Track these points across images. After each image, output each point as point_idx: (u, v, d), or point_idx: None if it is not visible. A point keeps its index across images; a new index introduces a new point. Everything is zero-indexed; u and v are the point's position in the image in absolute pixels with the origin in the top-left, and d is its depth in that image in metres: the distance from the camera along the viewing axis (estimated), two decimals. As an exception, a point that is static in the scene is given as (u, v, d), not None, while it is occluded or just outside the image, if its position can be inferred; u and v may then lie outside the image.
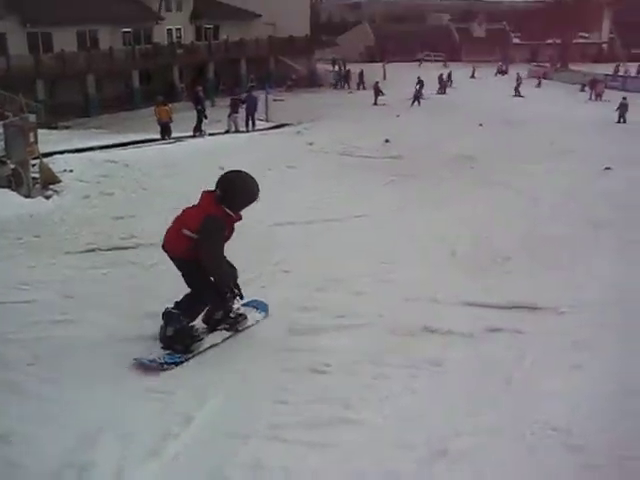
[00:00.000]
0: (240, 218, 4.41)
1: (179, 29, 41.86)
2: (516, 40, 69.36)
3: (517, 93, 37.38)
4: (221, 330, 4.74)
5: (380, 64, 49.26)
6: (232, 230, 4.42)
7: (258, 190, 4.32)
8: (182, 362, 4.37)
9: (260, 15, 44.70)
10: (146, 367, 4.24)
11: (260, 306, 5.15)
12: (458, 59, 64.67)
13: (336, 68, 50.85)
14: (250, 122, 21.88)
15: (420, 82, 36.00)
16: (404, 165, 13.55)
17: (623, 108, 25.19)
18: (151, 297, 5.23)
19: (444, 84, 39.12)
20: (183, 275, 4.46)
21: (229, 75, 40.71)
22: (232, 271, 4.56)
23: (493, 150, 15.89)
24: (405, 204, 9.43)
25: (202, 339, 4.59)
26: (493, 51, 64.44)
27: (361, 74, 42.44)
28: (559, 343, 4.65)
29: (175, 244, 4.40)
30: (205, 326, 4.74)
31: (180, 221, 4.41)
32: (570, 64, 55.14)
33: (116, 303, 5.30)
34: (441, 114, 25.88)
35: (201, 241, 4.25)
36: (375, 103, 32.06)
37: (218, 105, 28.93)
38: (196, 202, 4.38)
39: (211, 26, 43.93)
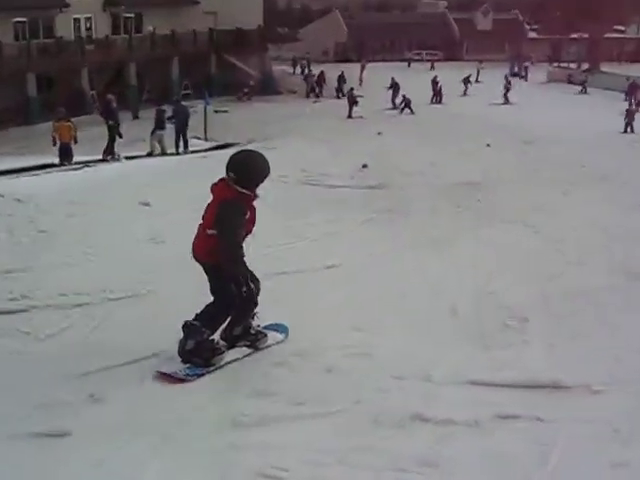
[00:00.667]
0: (257, 196, 5.35)
1: (89, 18, 41.44)
2: (532, 34, 71.08)
3: (505, 100, 39.52)
4: (241, 347, 5.71)
5: (357, 65, 50.63)
6: (254, 216, 5.39)
7: (269, 165, 5.36)
8: (203, 375, 5.33)
9: (198, 2, 44.83)
10: (168, 378, 5.18)
11: (280, 328, 6.08)
12: (458, 57, 65.92)
13: (298, 70, 51.97)
14: (181, 142, 21.98)
15: (394, 86, 36.66)
16: (388, 197, 13.70)
17: None
18: (40, 381, 5.19)
19: (438, 91, 40.31)
20: (209, 280, 5.43)
21: (157, 79, 40.85)
22: (256, 283, 5.47)
23: (505, 177, 16.26)
24: (389, 248, 9.51)
25: (223, 352, 5.54)
26: (502, 47, 65.51)
27: (340, 78, 43.33)
28: (595, 433, 4.62)
29: (201, 246, 5.39)
30: (224, 343, 5.64)
31: (203, 224, 5.40)
32: (602, 64, 56.08)
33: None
34: (437, 130, 26.49)
35: (218, 229, 5.20)
36: (349, 116, 32.83)
37: (143, 118, 28.97)
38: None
39: (132, 15, 43.52)
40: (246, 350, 5.74)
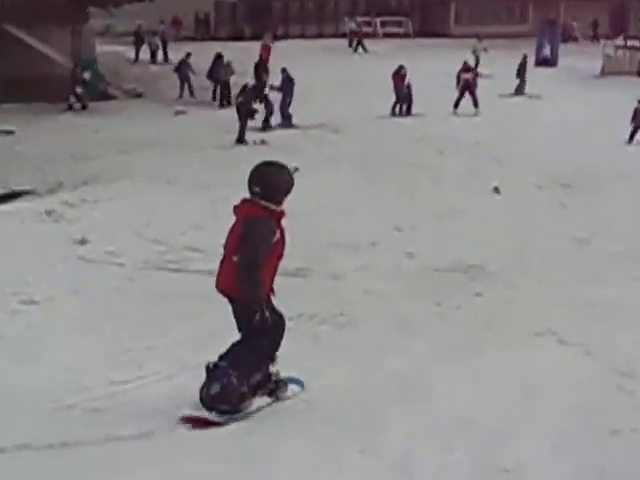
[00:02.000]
0: (284, 214, 5.82)
1: None
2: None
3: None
4: (261, 396, 6.03)
5: (255, 45, 34.37)
6: (284, 237, 5.80)
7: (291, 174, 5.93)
8: (230, 421, 5.74)
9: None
10: (196, 422, 5.69)
11: (295, 380, 6.42)
12: (440, 31, 43.92)
13: (141, 52, 35.51)
14: None
15: (285, 82, 24.22)
16: (313, 294, 10.49)
17: None
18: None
19: (406, 94, 27.17)
20: (234, 315, 5.86)
21: None
22: (281, 321, 5.98)
23: (527, 256, 12.75)
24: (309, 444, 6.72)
25: (251, 399, 5.88)
26: (512, 14, 43.94)
27: (219, 67, 28.83)
28: None
29: (227, 277, 5.73)
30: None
31: (227, 251, 5.81)
32: None
33: None
34: (403, 166, 19.27)
35: (240, 248, 5.57)
36: (241, 139, 22.23)
37: None
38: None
39: None
40: (267, 399, 6.06)
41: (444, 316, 9.74)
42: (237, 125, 22.19)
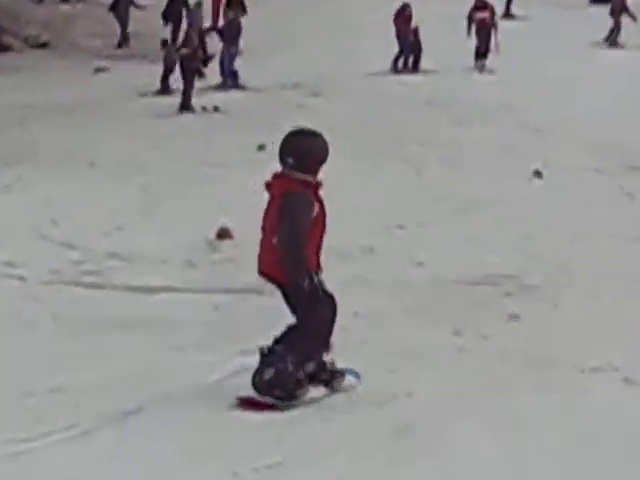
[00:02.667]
0: (321, 185, 6.94)
1: None
2: None
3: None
4: (316, 386, 7.09)
5: None
6: (324, 210, 6.87)
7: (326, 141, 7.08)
8: (286, 408, 6.84)
9: None
10: (251, 404, 6.88)
11: (352, 372, 7.36)
12: None
13: None
14: None
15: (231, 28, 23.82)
16: (276, 310, 9.60)
17: None
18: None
19: (414, 42, 27.50)
20: (284, 298, 7.09)
21: None
22: (333, 301, 7.09)
23: (575, 258, 12.95)
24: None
25: (307, 387, 6.97)
26: None
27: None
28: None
29: (268, 259, 6.89)
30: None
31: (266, 232, 6.94)
32: None
33: None
34: (405, 139, 19.71)
35: (280, 226, 6.67)
36: (185, 105, 22.51)
37: None
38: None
39: None
40: (323, 389, 7.04)
41: (466, 348, 9.64)
42: (180, 85, 22.54)
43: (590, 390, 8.48)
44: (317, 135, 7.17)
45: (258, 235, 11.33)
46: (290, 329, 7.03)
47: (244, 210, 14.86)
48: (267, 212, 7.01)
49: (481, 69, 27.07)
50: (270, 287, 11.73)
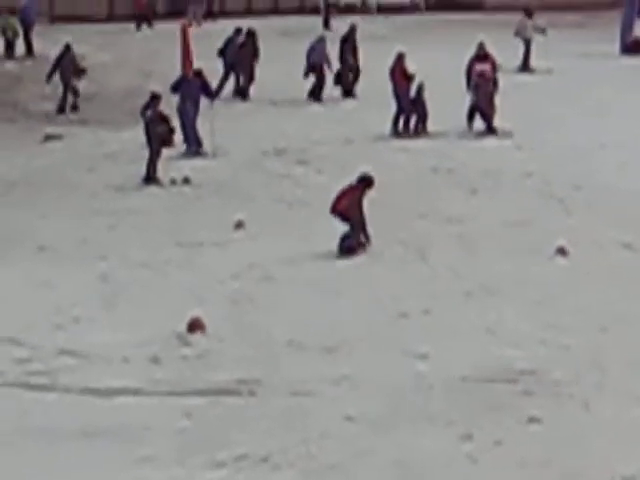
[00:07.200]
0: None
1: None
2: None
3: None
4: None
5: (171, 29, 34.67)
6: None
7: None
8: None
9: None
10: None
11: None
12: (468, 2, 47.34)
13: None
14: None
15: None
16: (266, 425, 11.08)
17: None
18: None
19: (418, 102, 26.99)
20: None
21: None
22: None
23: (605, 351, 13.29)
24: None
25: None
26: None
27: None
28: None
29: (344, 202, 17.63)
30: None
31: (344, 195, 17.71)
32: None
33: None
34: (409, 216, 19.85)
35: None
36: (150, 177, 22.39)
37: None
38: None
39: None
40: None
41: (477, 458, 10.05)
42: (145, 154, 22.50)
43: None
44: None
45: (233, 326, 13.84)
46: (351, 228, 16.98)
47: (218, 298, 15.54)
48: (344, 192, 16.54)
49: (488, 133, 26.84)
50: (247, 387, 12.17)
